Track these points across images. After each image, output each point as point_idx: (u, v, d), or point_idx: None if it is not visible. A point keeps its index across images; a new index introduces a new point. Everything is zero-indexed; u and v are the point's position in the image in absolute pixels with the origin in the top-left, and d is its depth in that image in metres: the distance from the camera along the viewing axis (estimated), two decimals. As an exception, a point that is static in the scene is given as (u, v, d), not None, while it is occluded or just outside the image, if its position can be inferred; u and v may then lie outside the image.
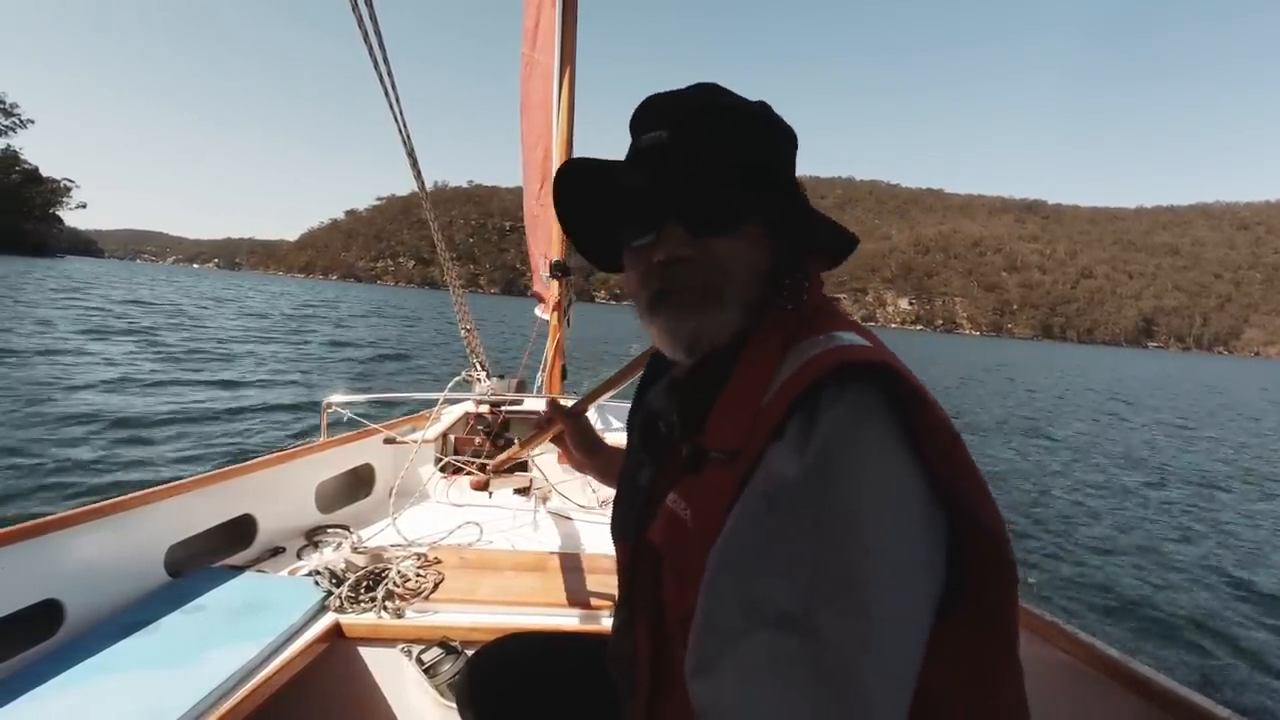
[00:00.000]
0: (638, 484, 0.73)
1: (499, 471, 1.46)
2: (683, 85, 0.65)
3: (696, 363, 0.67)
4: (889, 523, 0.46)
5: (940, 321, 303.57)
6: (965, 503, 0.48)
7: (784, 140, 0.66)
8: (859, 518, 0.46)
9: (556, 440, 1.16)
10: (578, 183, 0.72)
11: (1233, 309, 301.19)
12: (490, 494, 2.19)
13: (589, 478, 2.32)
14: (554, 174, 0.72)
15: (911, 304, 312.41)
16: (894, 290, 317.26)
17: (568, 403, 1.19)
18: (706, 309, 0.62)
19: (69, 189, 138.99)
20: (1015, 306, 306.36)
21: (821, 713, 0.41)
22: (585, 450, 1.12)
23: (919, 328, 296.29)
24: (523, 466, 2.27)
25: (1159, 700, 0.84)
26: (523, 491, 2.25)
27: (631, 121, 0.67)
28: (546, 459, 2.24)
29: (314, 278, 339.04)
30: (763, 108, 0.66)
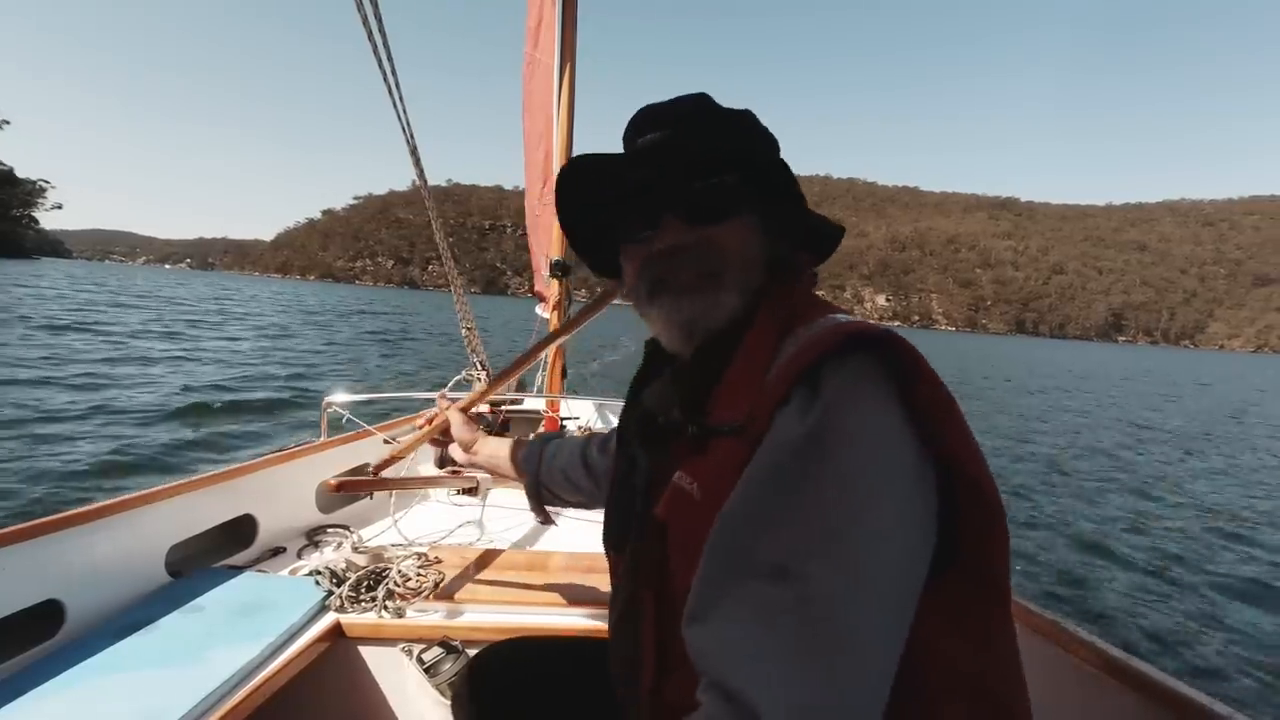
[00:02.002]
0: (634, 485, 0.73)
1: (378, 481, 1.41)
2: (669, 89, 0.73)
3: (697, 352, 0.68)
4: (882, 479, 0.48)
5: (917, 317, 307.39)
6: (958, 462, 0.50)
7: (768, 142, 0.70)
8: (852, 474, 0.47)
9: (437, 441, 1.24)
10: (581, 179, 0.73)
11: (1198, 304, 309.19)
12: (370, 497, 2.03)
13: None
14: (555, 174, 0.75)
15: (888, 300, 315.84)
16: (871, 287, 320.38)
17: (565, 401, 1.21)
18: (705, 291, 0.65)
19: (44, 190, 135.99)
20: (989, 302, 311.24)
21: (804, 656, 0.42)
22: (472, 441, 1.21)
23: (896, 324, 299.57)
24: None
25: (1160, 698, 0.84)
26: (470, 491, 2.13)
27: (626, 130, 0.71)
28: None
29: (291, 278, 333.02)
30: (748, 114, 0.70)
